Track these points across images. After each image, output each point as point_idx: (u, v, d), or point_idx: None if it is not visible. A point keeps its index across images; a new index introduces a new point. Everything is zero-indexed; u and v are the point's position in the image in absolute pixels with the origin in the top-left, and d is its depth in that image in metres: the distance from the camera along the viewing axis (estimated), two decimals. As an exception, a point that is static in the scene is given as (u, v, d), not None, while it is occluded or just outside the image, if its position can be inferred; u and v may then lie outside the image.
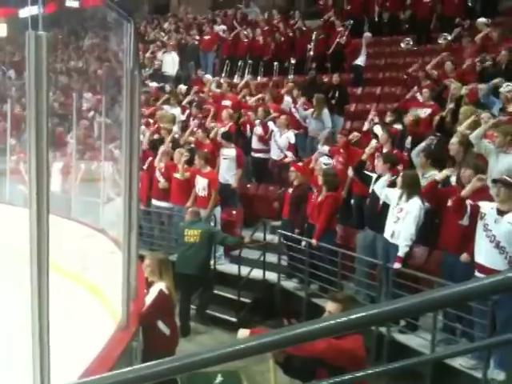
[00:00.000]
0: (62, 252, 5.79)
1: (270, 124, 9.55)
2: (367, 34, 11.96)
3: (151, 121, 10.93)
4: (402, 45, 11.75)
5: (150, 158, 9.10)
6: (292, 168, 7.64)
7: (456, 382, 5.00)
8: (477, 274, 4.74)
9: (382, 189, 6.08)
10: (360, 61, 11.79)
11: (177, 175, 8.49)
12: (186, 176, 8.37)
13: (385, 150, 6.96)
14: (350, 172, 7.16)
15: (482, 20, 10.43)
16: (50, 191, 2.81)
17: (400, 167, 6.38)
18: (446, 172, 5.64)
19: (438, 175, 5.62)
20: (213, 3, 19.31)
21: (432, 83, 9.07)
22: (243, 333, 3.22)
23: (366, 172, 6.70)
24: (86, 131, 10.37)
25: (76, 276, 6.21)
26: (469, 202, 5.11)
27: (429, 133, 7.47)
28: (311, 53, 12.71)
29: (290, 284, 7.32)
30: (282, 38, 13.38)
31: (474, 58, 9.23)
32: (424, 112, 8.06)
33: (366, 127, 8.22)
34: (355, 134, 7.88)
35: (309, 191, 7.21)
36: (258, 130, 9.53)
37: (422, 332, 5.47)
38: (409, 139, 7.58)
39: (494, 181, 4.86)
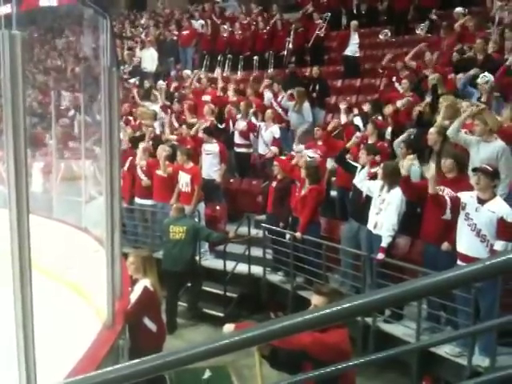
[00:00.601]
0: (45, 252, 5.74)
1: (253, 118, 9.53)
2: (354, 22, 11.74)
3: (131, 118, 10.84)
4: (381, 36, 11.80)
5: (132, 156, 9.03)
6: (275, 162, 7.64)
7: (442, 369, 5.07)
8: (459, 262, 4.79)
9: (362, 181, 6.11)
10: (349, 51, 11.59)
11: (159, 172, 8.45)
12: (168, 172, 8.33)
13: (370, 142, 7.00)
14: (330, 163, 7.18)
15: (458, 9, 10.52)
16: (31, 191, 2.79)
17: (378, 158, 6.39)
18: (408, 162, 5.59)
19: (402, 170, 5.49)
20: (191, -2, 19.20)
21: (411, 73, 9.13)
22: (228, 327, 3.21)
23: (351, 162, 6.70)
24: (65, 130, 10.25)
25: (59, 276, 6.16)
26: (447, 194, 5.16)
27: (409, 123, 7.54)
28: (290, 46, 12.70)
29: (275, 277, 7.34)
30: (261, 32, 13.35)
31: (451, 48, 9.31)
32: (403, 103, 8.08)
33: (343, 120, 8.20)
34: (335, 121, 7.93)
35: (292, 184, 7.23)
36: (241, 124, 9.50)
37: (407, 321, 5.52)
38: (389, 130, 7.63)
39: (474, 169, 4.91)
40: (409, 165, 5.52)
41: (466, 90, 7.36)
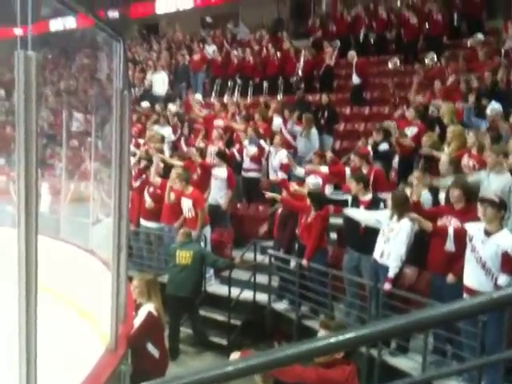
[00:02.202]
0: (51, 273, 5.75)
1: (262, 143, 9.58)
2: (351, 53, 12.01)
3: (141, 141, 10.92)
4: (390, 64, 11.90)
5: (142, 178, 9.07)
6: (278, 197, 7.63)
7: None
8: (465, 295, 4.74)
9: (368, 217, 6.05)
10: (354, 79, 11.86)
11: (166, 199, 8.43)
12: (172, 200, 8.31)
13: (364, 171, 7.02)
14: (328, 190, 7.21)
15: (479, 36, 10.56)
16: (39, 212, 2.80)
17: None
18: (418, 189, 5.62)
19: (413, 196, 5.56)
20: (202, 23, 19.51)
21: (418, 103, 9.17)
22: (234, 356, 3.18)
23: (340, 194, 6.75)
24: (75, 151, 10.35)
25: (65, 297, 6.15)
26: (452, 225, 5.13)
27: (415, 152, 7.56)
28: (300, 72, 12.84)
29: (280, 305, 7.26)
30: (272, 58, 13.51)
31: (459, 78, 9.38)
32: (411, 131, 8.12)
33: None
34: (329, 153, 8.07)
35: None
36: (250, 149, 9.54)
37: (412, 354, 5.44)
38: (396, 159, 7.64)
39: (481, 200, 4.89)
40: (419, 190, 5.54)
41: (471, 121, 7.35)
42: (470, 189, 5.42)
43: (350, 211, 6.33)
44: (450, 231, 5.14)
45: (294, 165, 8.45)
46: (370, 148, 8.30)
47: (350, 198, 6.49)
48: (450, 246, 5.15)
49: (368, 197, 6.27)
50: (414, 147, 7.54)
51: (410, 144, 7.59)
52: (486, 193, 5.49)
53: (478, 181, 5.72)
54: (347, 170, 7.06)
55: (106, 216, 5.46)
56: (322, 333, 3.26)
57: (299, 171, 8.12)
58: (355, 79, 11.81)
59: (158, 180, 8.80)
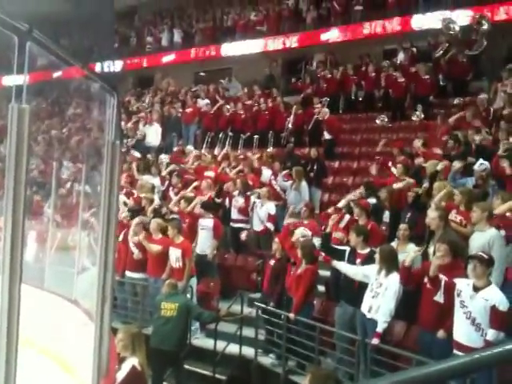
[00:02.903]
0: (33, 323, 5.62)
1: (253, 196, 9.64)
2: (324, 110, 12.46)
3: (134, 191, 10.93)
4: (377, 121, 12.17)
5: (128, 228, 9.02)
6: (275, 240, 7.63)
7: None
8: (455, 351, 4.70)
9: (356, 271, 6.06)
10: (325, 135, 12.38)
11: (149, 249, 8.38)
12: (158, 251, 8.24)
13: (361, 223, 7.05)
14: (317, 243, 7.21)
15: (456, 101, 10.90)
16: (24, 260, 2.77)
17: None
18: (412, 254, 5.67)
19: (406, 260, 5.59)
20: (195, 78, 19.96)
21: (406, 158, 9.34)
22: None
23: (336, 246, 6.74)
24: (63, 200, 10.33)
25: (46, 349, 5.99)
26: (443, 278, 5.14)
27: (405, 206, 7.64)
28: (290, 126, 13.09)
29: (267, 360, 7.10)
30: (263, 112, 13.78)
31: (445, 136, 9.60)
32: (398, 186, 8.21)
33: (341, 204, 8.23)
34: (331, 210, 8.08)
35: (288, 263, 7.18)
36: (239, 201, 9.60)
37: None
38: (386, 213, 7.70)
39: (470, 257, 4.93)
40: (413, 257, 5.57)
41: (455, 182, 7.45)
42: (457, 244, 5.47)
43: (338, 264, 6.32)
44: (442, 283, 5.14)
45: (288, 214, 8.45)
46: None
47: (347, 250, 6.47)
48: (440, 297, 5.13)
49: (366, 250, 6.27)
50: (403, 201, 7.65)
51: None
52: (471, 250, 5.55)
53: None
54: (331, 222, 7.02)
55: (93, 264, 5.41)
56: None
57: (290, 222, 8.09)
58: (326, 135, 12.27)
59: (135, 239, 8.71)
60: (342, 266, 6.27)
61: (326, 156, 11.93)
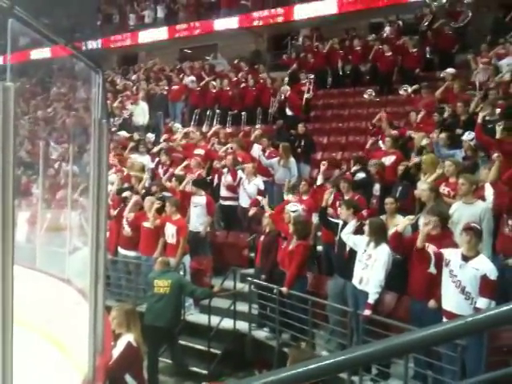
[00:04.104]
0: (26, 303, 5.63)
1: (239, 172, 9.63)
2: (284, 88, 12.53)
3: (124, 169, 10.90)
4: (365, 96, 12.15)
5: (119, 207, 9.02)
6: (266, 215, 7.66)
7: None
8: (444, 320, 4.77)
9: (348, 236, 6.14)
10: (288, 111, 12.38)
11: (146, 224, 8.44)
12: (156, 224, 8.32)
13: (346, 197, 7.09)
14: (315, 218, 7.25)
15: (449, 70, 10.88)
16: (15, 241, 2.76)
17: (365, 213, 6.48)
18: (406, 221, 5.75)
19: (399, 226, 5.70)
20: (181, 55, 19.72)
21: (395, 132, 9.36)
22: None
23: (332, 219, 6.79)
24: (52, 180, 10.26)
25: (40, 329, 6.01)
26: (432, 249, 5.21)
27: (395, 180, 7.68)
28: (277, 103, 13.00)
29: (261, 334, 7.21)
30: (250, 89, 13.67)
31: (433, 109, 9.61)
32: (388, 159, 8.26)
33: (319, 181, 8.16)
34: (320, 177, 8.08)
35: (278, 237, 7.23)
36: (227, 178, 9.60)
37: (393, 380, 5.44)
38: (377, 186, 7.75)
39: (466, 229, 4.99)
40: (407, 224, 5.63)
41: (441, 154, 7.48)
42: (447, 215, 5.53)
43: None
44: (432, 254, 5.20)
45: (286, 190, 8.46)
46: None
47: (341, 223, 6.51)
48: (432, 269, 5.20)
49: (356, 225, 6.29)
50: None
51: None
52: (459, 222, 5.61)
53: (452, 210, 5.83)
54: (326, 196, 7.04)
55: (84, 244, 5.40)
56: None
57: (289, 197, 8.09)
58: (288, 111, 12.25)
59: (131, 215, 8.75)
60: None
61: (288, 133, 11.57)
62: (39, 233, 8.05)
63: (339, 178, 7.76)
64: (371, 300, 5.59)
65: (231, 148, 10.78)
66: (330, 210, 7.07)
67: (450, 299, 4.86)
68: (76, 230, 7.16)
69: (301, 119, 11.85)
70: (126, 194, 9.21)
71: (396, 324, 5.35)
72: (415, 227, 6.02)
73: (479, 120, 7.39)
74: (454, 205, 5.93)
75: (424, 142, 7.71)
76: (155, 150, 11.70)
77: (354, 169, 8.47)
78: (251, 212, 8.54)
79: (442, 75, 11.20)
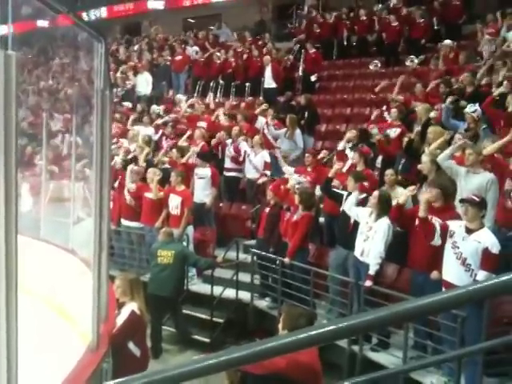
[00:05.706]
0: (31, 273, 5.69)
1: (242, 145, 9.57)
2: (266, 58, 12.63)
3: (125, 140, 10.86)
4: (371, 67, 12.00)
5: (122, 178, 9.03)
6: (270, 187, 7.65)
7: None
8: (444, 291, 4.81)
9: (351, 207, 6.15)
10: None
11: (149, 195, 8.45)
12: (159, 196, 8.34)
13: (358, 169, 7.07)
14: (318, 190, 7.24)
15: (447, 42, 10.73)
16: (19, 212, 2.77)
17: (366, 184, 6.46)
18: (407, 193, 5.74)
19: (400, 198, 5.68)
20: (184, 25, 19.47)
21: (400, 104, 9.26)
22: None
23: (336, 190, 6.77)
24: (55, 151, 10.24)
25: (45, 297, 6.09)
26: (437, 221, 5.21)
27: (398, 152, 7.64)
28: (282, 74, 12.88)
29: (262, 303, 7.31)
30: (254, 59, 13.52)
31: (439, 80, 9.50)
32: (394, 131, 8.21)
33: (340, 147, 8.13)
34: (324, 151, 8.03)
35: (282, 210, 7.24)
36: (231, 150, 9.57)
37: (393, 350, 5.51)
38: (379, 159, 7.71)
39: (462, 200, 4.99)
40: (408, 196, 5.62)
41: (449, 123, 7.42)
42: (448, 188, 5.52)
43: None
44: (437, 226, 5.20)
45: (281, 161, 8.45)
46: (348, 150, 8.31)
47: (345, 195, 6.50)
48: (438, 240, 5.21)
49: (362, 196, 6.30)
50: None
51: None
52: (463, 191, 5.60)
53: (456, 172, 5.79)
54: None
55: (88, 215, 5.42)
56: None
57: (289, 170, 8.09)
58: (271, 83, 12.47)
59: (132, 186, 8.75)
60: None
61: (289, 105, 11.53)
62: (43, 203, 8.08)
63: (355, 149, 7.68)
64: (372, 271, 5.63)
65: (235, 119, 10.66)
66: (336, 182, 7.07)
67: (451, 270, 4.88)
68: (80, 200, 7.18)
69: (281, 91, 11.97)
70: (130, 166, 9.20)
71: (396, 295, 5.39)
72: (416, 200, 6.01)
73: (495, 94, 7.33)
74: (461, 168, 5.86)
75: (432, 114, 7.61)
76: (160, 121, 11.63)
77: (354, 141, 8.39)
78: (261, 180, 8.57)
79: (438, 46, 11.07)
